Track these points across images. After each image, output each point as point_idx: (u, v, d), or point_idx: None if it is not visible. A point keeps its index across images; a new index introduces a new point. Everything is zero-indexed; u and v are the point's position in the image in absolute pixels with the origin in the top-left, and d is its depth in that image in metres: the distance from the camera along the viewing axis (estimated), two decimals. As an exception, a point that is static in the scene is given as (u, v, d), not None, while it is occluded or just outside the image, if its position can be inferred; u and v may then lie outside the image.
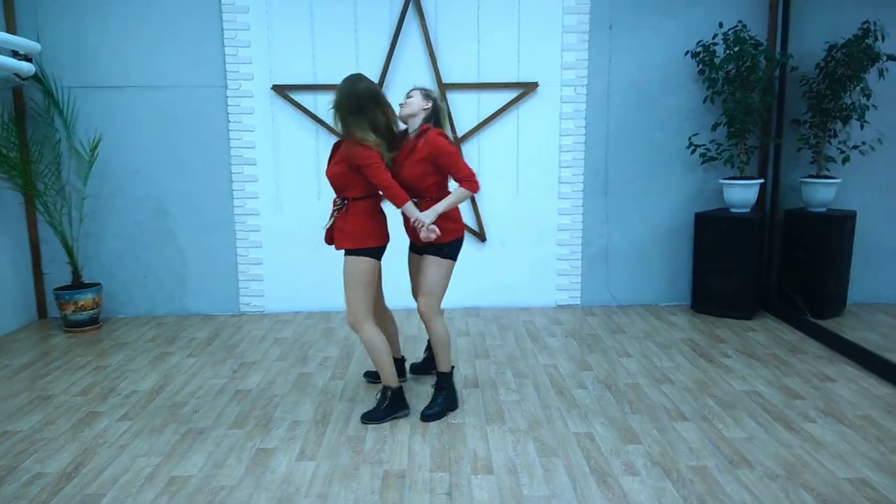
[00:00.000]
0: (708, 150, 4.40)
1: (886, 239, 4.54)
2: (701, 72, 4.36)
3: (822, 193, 4.30)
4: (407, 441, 2.73)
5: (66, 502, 2.31)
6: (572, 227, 4.64)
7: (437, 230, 2.75)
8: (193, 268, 4.60)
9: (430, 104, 2.87)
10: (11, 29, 4.24)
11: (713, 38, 4.30)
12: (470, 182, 2.81)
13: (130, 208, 4.51)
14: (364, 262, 2.80)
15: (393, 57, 4.38)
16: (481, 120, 4.48)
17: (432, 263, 2.89)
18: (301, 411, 3.03)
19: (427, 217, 2.74)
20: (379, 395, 2.96)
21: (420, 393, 3.21)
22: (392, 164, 2.86)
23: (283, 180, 4.52)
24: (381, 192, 2.82)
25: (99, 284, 4.39)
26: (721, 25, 4.29)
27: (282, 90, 4.40)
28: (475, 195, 2.74)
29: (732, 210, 4.38)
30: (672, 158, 4.57)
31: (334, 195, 2.91)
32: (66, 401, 3.17)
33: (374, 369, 3.33)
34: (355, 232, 2.80)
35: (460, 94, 4.44)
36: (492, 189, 4.56)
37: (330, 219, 2.89)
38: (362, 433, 2.81)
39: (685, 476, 2.44)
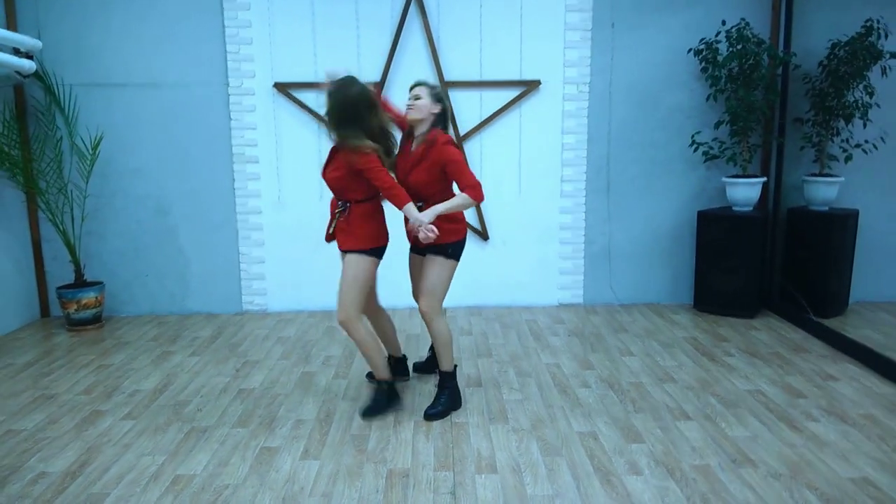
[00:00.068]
0: (710, 148, 4.40)
1: (889, 237, 4.53)
2: (704, 70, 4.35)
3: (824, 192, 4.30)
4: (411, 440, 2.74)
5: (71, 501, 2.31)
6: (575, 226, 4.64)
7: (435, 230, 2.70)
8: (196, 266, 4.60)
9: (439, 107, 2.82)
10: (12, 26, 4.23)
11: (716, 35, 4.29)
12: (475, 190, 2.74)
13: (132, 206, 4.51)
14: (367, 261, 2.83)
15: (395, 55, 4.37)
16: (483, 118, 4.47)
17: (435, 264, 2.88)
18: (304, 410, 3.03)
19: (426, 217, 2.70)
20: (374, 390, 3.00)
21: (423, 392, 3.22)
22: (394, 168, 2.85)
23: (286, 178, 4.52)
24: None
25: (101, 283, 4.39)
26: (724, 23, 4.28)
27: (284, 88, 4.40)
28: (477, 191, 2.71)
29: (735, 208, 4.38)
30: (674, 157, 4.57)
31: (332, 196, 2.92)
32: (69, 399, 3.18)
33: None
34: (358, 233, 2.82)
35: (462, 92, 4.44)
36: (494, 188, 4.55)
37: (332, 222, 2.89)
38: (366, 432, 2.81)
39: (688, 475, 2.44)
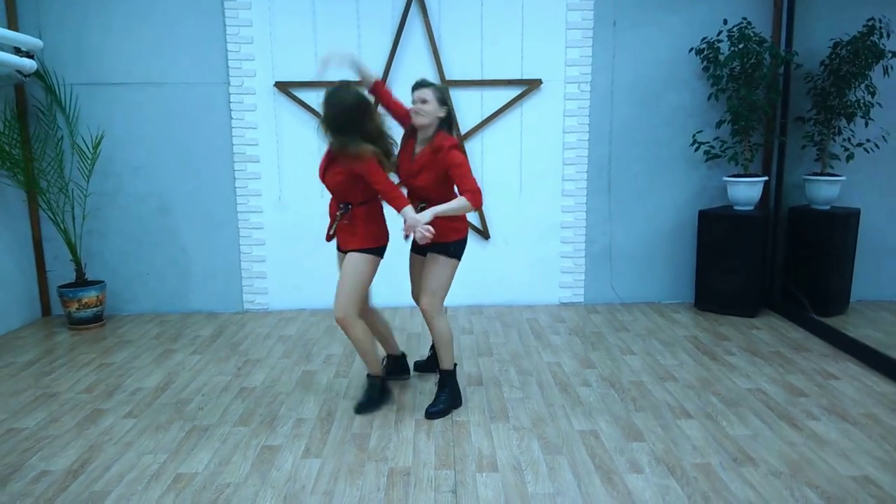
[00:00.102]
0: (712, 147, 4.40)
1: (890, 236, 4.54)
2: (705, 69, 4.35)
3: (825, 191, 4.29)
4: (412, 439, 2.74)
5: (73, 499, 2.32)
6: (576, 225, 4.64)
7: (431, 230, 2.69)
8: (197, 265, 4.60)
9: (444, 110, 2.80)
10: (13, 26, 4.23)
11: (717, 34, 4.29)
12: (474, 196, 2.71)
13: (133, 206, 4.51)
14: (369, 260, 2.85)
15: (396, 54, 4.37)
16: (485, 117, 4.47)
17: (437, 263, 2.89)
18: (306, 409, 3.04)
19: (423, 217, 2.69)
20: (367, 385, 3.03)
21: (424, 390, 3.22)
22: (395, 168, 2.85)
23: (286, 177, 4.52)
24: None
25: (102, 282, 4.40)
26: (725, 22, 4.27)
27: (284, 87, 4.40)
28: (476, 196, 2.69)
29: (736, 208, 4.37)
30: (676, 156, 4.56)
31: (330, 197, 2.93)
32: (71, 398, 3.18)
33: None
34: (360, 233, 2.84)
35: (463, 91, 4.44)
36: (495, 187, 4.56)
37: (333, 224, 2.90)
38: (367, 431, 2.81)
39: (689, 474, 2.44)
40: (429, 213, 2.70)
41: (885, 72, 4.15)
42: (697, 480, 2.40)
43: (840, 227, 4.22)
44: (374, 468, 2.51)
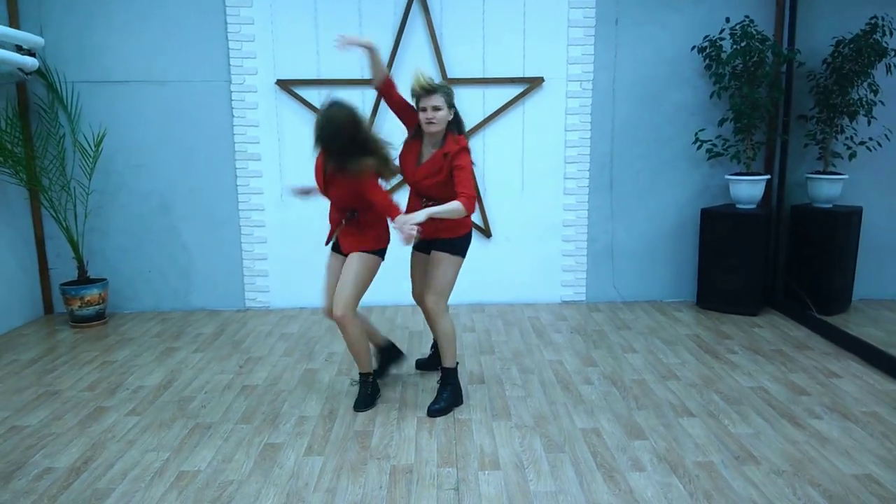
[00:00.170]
0: (714, 145, 4.39)
1: (892, 235, 4.53)
2: (707, 67, 4.35)
3: (828, 189, 4.29)
4: (414, 436, 2.74)
5: (76, 497, 2.32)
6: (577, 223, 4.64)
7: (416, 231, 2.64)
8: (199, 263, 4.61)
9: (453, 113, 2.79)
10: (14, 23, 4.23)
11: (720, 32, 4.28)
12: (469, 200, 2.70)
13: (135, 203, 4.51)
14: (373, 260, 2.90)
15: (398, 52, 4.37)
16: (486, 115, 4.47)
17: (442, 261, 2.89)
18: (308, 407, 3.04)
19: (416, 217, 2.67)
20: (360, 383, 3.04)
21: (426, 388, 3.22)
22: (395, 172, 2.87)
23: (288, 176, 4.51)
24: None
25: (104, 280, 4.40)
26: (728, 20, 4.27)
27: (286, 85, 4.40)
28: (471, 202, 2.69)
29: (738, 206, 4.37)
30: (678, 154, 4.56)
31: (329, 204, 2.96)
32: (73, 396, 3.19)
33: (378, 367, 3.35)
34: (367, 235, 2.89)
35: (465, 89, 4.42)
36: (497, 185, 4.56)
37: (336, 231, 2.94)
38: (369, 428, 2.82)
39: (691, 472, 2.44)
40: (423, 214, 2.68)
41: (888, 70, 4.14)
42: (699, 478, 2.40)
43: (842, 225, 4.22)
44: (377, 466, 2.51)
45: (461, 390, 3.08)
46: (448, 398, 2.98)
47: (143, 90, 4.39)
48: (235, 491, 2.35)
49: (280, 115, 4.45)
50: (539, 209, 4.61)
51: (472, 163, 2.80)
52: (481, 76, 4.44)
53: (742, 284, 4.33)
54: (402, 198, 3.08)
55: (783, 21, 4.35)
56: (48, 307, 4.60)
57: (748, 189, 4.29)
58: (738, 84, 4.26)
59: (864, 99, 4.18)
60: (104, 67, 4.36)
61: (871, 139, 4.28)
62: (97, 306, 4.29)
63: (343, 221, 2.90)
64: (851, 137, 4.28)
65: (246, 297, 4.66)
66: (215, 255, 4.59)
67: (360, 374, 3.05)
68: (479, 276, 4.61)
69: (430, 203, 2.80)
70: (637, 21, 4.40)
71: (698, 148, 4.43)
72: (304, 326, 4.24)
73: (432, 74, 4.34)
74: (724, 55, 4.23)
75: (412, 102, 2.83)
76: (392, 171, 2.87)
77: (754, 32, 4.15)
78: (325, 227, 3.05)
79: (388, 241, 2.98)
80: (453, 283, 2.94)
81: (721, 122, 4.38)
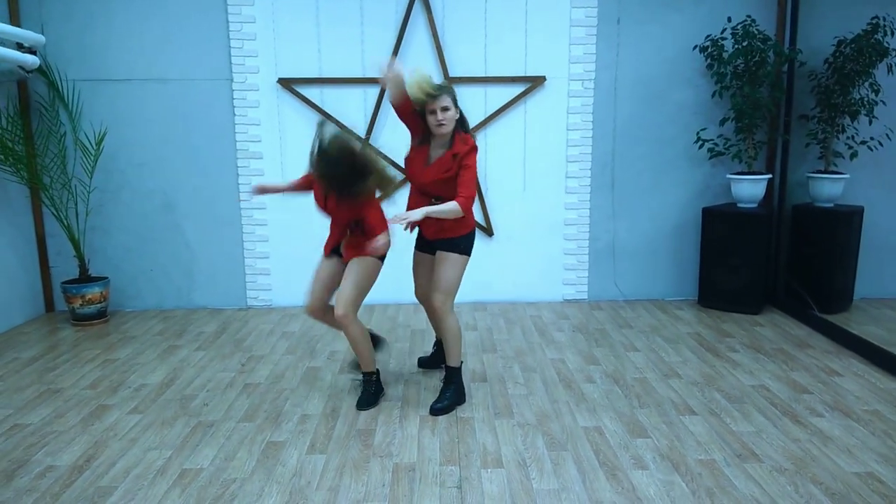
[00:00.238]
0: (716, 144, 4.39)
1: (893, 234, 4.54)
2: (709, 66, 4.35)
3: (829, 189, 4.29)
4: (416, 435, 2.74)
5: (79, 495, 2.32)
6: (579, 222, 4.64)
7: (380, 245, 2.72)
8: (201, 261, 4.61)
9: (458, 111, 2.80)
10: (15, 21, 4.22)
11: (721, 32, 4.29)
12: (466, 202, 2.73)
13: (137, 202, 4.51)
14: (376, 264, 2.95)
15: (400, 50, 4.36)
16: (488, 114, 4.47)
17: (449, 260, 2.90)
18: (310, 405, 3.04)
19: (414, 215, 2.69)
20: (362, 382, 3.06)
21: (428, 387, 3.23)
22: (395, 179, 2.89)
23: (290, 174, 4.51)
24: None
25: (106, 278, 4.40)
26: (729, 20, 4.27)
27: (288, 83, 4.39)
28: (469, 203, 2.73)
29: (740, 205, 4.37)
30: (680, 153, 4.56)
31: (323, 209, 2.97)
32: (75, 394, 3.19)
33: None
34: (371, 243, 2.90)
35: (467, 87, 4.42)
36: (499, 184, 4.56)
37: (342, 241, 2.98)
38: (372, 427, 2.82)
39: (694, 470, 2.44)
40: (420, 213, 2.71)
41: (889, 69, 4.15)
42: (702, 476, 2.40)
43: (843, 224, 4.22)
44: (379, 464, 2.51)
45: (464, 389, 3.08)
46: (451, 397, 2.98)
47: (144, 88, 4.39)
48: (238, 489, 2.35)
49: (282, 113, 4.45)
50: (541, 208, 4.61)
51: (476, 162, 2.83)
52: (483, 75, 4.44)
53: (743, 283, 4.33)
54: (401, 198, 3.09)
55: (785, 21, 4.35)
56: (49, 305, 4.60)
57: (750, 188, 4.30)
58: (739, 83, 4.26)
59: (866, 98, 4.18)
60: (105, 65, 4.36)
61: (872, 139, 4.28)
62: (98, 304, 4.29)
63: (348, 232, 2.94)
64: (853, 137, 4.28)
65: (248, 296, 4.66)
66: (217, 253, 4.60)
67: (362, 373, 3.05)
68: (481, 275, 4.61)
69: (438, 202, 2.81)
70: (639, 20, 4.40)
71: (700, 147, 4.43)
72: (306, 325, 4.25)
73: (433, 73, 4.35)
74: (725, 55, 4.23)
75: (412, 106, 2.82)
76: (391, 183, 2.89)
77: (756, 32, 4.15)
78: (327, 226, 3.05)
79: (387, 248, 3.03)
80: (459, 282, 2.95)
81: (722, 122, 4.38)
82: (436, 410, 2.92)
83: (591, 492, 2.31)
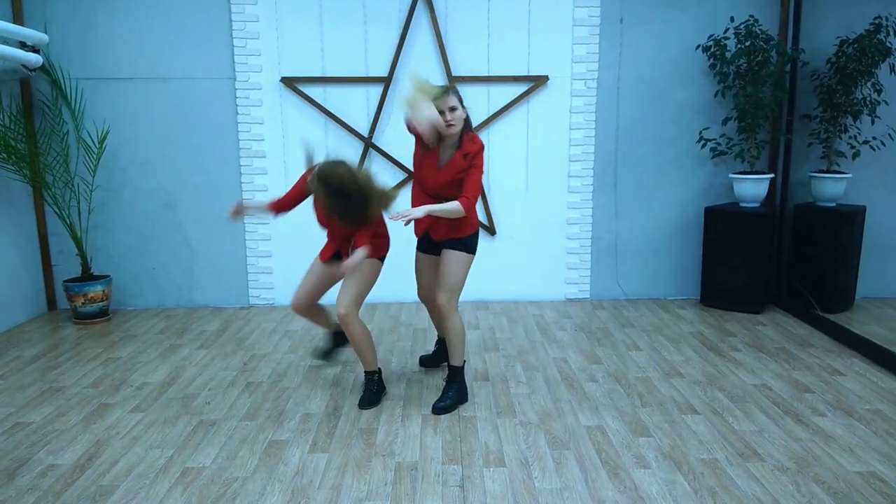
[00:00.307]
0: (718, 144, 4.39)
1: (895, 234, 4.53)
2: (712, 66, 4.34)
3: (831, 188, 4.29)
4: (419, 434, 2.74)
5: (80, 493, 2.32)
6: (582, 221, 4.64)
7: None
8: (203, 260, 4.61)
9: (465, 111, 2.80)
10: (18, 20, 4.23)
11: (724, 32, 4.28)
12: (469, 202, 2.75)
13: (139, 200, 4.52)
14: (377, 264, 3.00)
15: (402, 50, 4.36)
16: (491, 113, 4.47)
17: (453, 259, 2.90)
18: (312, 404, 3.04)
19: (416, 213, 2.71)
20: (366, 381, 3.07)
21: (431, 386, 3.23)
22: (393, 195, 2.89)
23: (292, 173, 4.51)
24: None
25: (108, 276, 4.40)
26: (732, 20, 4.26)
27: (290, 82, 4.39)
28: (471, 204, 2.74)
29: (742, 205, 4.37)
30: (682, 153, 4.56)
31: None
32: (77, 392, 3.19)
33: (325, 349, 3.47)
34: (377, 244, 2.96)
35: (470, 87, 4.42)
36: (501, 183, 4.55)
37: (340, 252, 3.01)
38: (374, 426, 2.82)
39: (696, 469, 2.44)
40: (422, 210, 2.72)
41: (892, 69, 4.14)
42: (704, 475, 2.40)
43: (846, 224, 4.22)
44: (382, 463, 2.51)
45: (467, 388, 3.08)
46: (454, 396, 2.98)
47: (147, 87, 4.39)
48: (240, 488, 2.35)
49: (285, 112, 4.45)
50: (543, 207, 4.61)
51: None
52: (486, 74, 4.44)
53: (746, 282, 4.33)
54: (402, 197, 3.10)
55: (787, 21, 4.35)
56: (51, 304, 4.60)
57: (752, 188, 4.29)
58: (742, 83, 4.25)
59: (868, 98, 4.18)
60: (108, 64, 4.36)
61: (874, 138, 4.28)
62: (101, 303, 4.29)
63: (350, 241, 2.95)
64: (855, 137, 4.28)
65: (250, 294, 4.66)
66: (219, 252, 4.60)
67: (365, 372, 3.06)
68: (483, 274, 4.60)
69: (443, 202, 2.81)
70: (642, 20, 4.40)
71: (702, 147, 4.43)
72: (308, 324, 4.24)
73: (437, 72, 4.35)
74: (728, 54, 4.22)
75: (406, 112, 2.79)
76: (391, 200, 2.87)
77: (759, 32, 4.15)
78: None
79: (387, 250, 3.06)
80: (464, 281, 2.95)
81: (725, 121, 4.37)
82: (438, 409, 2.92)
83: (594, 491, 2.31)
